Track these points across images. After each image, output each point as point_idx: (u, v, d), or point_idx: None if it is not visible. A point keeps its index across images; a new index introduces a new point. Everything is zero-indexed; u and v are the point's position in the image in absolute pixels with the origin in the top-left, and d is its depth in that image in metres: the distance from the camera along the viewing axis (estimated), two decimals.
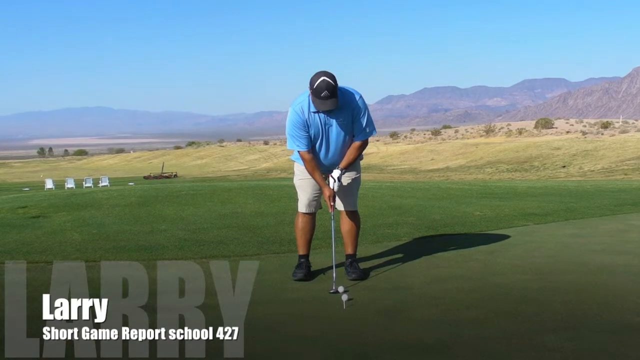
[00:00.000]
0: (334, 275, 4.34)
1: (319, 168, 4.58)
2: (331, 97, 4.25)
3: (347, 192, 4.73)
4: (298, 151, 4.57)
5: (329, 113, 4.40)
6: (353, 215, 4.78)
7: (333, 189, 4.54)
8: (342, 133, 4.52)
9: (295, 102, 4.50)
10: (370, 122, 4.57)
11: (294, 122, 4.47)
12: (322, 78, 4.23)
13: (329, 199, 4.54)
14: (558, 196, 10.47)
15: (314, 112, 4.42)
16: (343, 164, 4.58)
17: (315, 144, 4.55)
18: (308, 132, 4.48)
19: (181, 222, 7.70)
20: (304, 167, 4.72)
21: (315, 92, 4.25)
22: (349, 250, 4.77)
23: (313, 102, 4.34)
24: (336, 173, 4.55)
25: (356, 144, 4.59)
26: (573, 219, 7.46)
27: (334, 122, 4.46)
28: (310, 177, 4.70)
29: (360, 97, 4.50)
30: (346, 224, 4.79)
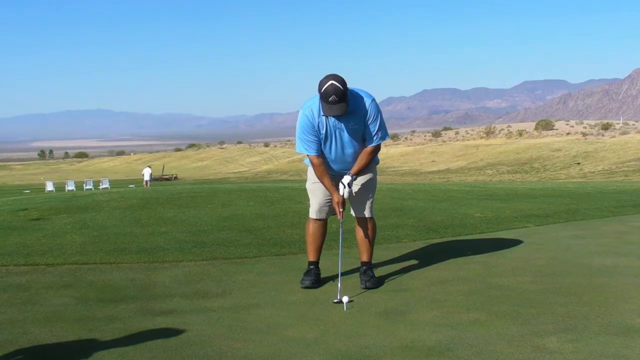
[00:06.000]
0: (339, 285, 4.11)
1: (329, 173, 4.38)
2: (339, 102, 4.03)
3: (362, 198, 4.52)
4: (307, 155, 4.38)
5: (338, 117, 4.20)
6: (368, 221, 4.56)
7: (342, 195, 4.34)
8: (354, 138, 4.31)
9: (305, 104, 4.32)
10: (382, 126, 4.34)
11: (303, 126, 4.29)
12: (330, 82, 4.03)
13: (338, 205, 4.34)
14: (558, 198, 10.48)
15: (324, 116, 4.22)
16: (354, 169, 4.38)
17: (326, 148, 4.36)
18: (318, 136, 4.29)
19: (182, 224, 7.71)
20: None
21: (323, 97, 4.06)
22: (364, 258, 4.57)
23: (322, 107, 4.15)
24: (346, 179, 4.35)
25: (368, 149, 4.37)
26: (574, 220, 7.46)
27: (344, 126, 4.26)
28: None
29: (373, 100, 4.28)
30: (360, 231, 4.58)
